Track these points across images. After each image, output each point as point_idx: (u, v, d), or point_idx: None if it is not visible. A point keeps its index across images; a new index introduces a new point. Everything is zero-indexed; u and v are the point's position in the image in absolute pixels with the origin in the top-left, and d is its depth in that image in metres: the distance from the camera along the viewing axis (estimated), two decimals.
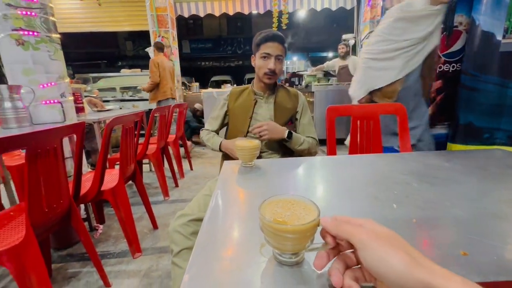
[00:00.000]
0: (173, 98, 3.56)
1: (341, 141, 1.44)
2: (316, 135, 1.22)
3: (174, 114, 2.53)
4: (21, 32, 1.40)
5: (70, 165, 1.53)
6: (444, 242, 0.41)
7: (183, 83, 4.73)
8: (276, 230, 0.33)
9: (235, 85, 5.50)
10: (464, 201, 0.55)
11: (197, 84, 4.93)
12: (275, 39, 1.10)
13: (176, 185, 2.46)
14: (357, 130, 1.24)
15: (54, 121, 1.54)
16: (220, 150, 1.16)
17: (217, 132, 1.25)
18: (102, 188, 1.30)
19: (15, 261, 0.83)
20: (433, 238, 0.43)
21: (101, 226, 1.73)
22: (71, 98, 1.65)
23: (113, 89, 5.09)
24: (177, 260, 0.83)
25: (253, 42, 1.15)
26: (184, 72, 4.85)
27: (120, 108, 3.20)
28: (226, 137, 1.21)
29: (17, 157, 1.72)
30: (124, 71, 5.10)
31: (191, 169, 2.95)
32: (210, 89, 4.38)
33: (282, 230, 0.33)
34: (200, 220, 0.85)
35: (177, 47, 4.52)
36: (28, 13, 1.40)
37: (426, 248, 0.40)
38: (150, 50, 4.21)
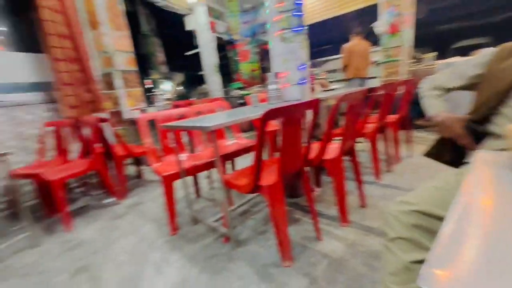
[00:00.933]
0: (361, 78, 4.13)
1: None
2: None
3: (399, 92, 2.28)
4: (284, 31, 1.86)
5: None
6: None
7: (413, 56, 4.05)
8: None
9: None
10: None
11: (433, 54, 3.94)
12: None
13: (390, 170, 2.28)
14: None
15: (296, 99, 1.95)
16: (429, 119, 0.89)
17: (447, 92, 0.95)
18: (324, 157, 1.50)
19: (270, 194, 1.21)
20: None
21: (317, 189, 2.04)
22: (309, 80, 2.00)
23: (337, 70, 5.51)
24: (391, 245, 0.78)
25: None
26: (417, 42, 4.06)
27: (342, 89, 3.41)
28: (471, 111, 0.90)
29: (271, 125, 2.42)
30: None
31: (410, 155, 2.58)
32: (450, 59, 3.42)
33: None
34: (426, 214, 0.73)
35: (413, 13, 3.87)
36: (288, 14, 1.82)
37: None
38: (376, 25, 3.98)
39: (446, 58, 3.77)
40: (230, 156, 2.00)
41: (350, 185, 1.95)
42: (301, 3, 1.86)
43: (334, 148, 1.61)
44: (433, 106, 0.93)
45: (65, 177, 1.93)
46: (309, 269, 1.22)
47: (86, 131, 2.27)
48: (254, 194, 1.92)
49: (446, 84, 0.96)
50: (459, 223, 0.40)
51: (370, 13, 4.25)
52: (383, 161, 2.34)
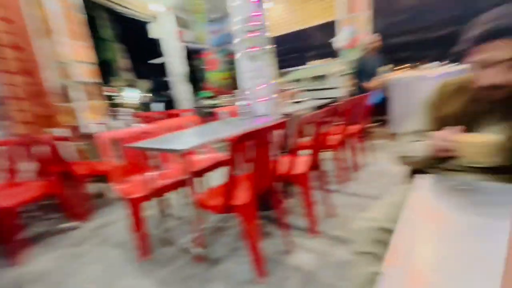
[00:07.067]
0: None
1: None
2: None
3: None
4: (251, 49, 1.92)
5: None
6: None
7: None
8: None
9: (436, 62, 4.35)
10: None
11: (389, 66, 4.23)
12: (503, 34, 0.66)
13: (354, 178, 2.45)
14: None
15: (265, 114, 2.02)
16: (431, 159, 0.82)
17: (422, 135, 0.89)
18: (293, 172, 1.57)
19: (244, 213, 1.24)
20: None
21: (287, 201, 2.11)
22: (276, 95, 2.08)
23: (302, 80, 5.76)
24: (357, 259, 0.86)
25: (467, 33, 0.74)
26: None
27: (308, 100, 3.54)
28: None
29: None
30: (312, 63, 5.57)
31: (371, 163, 2.80)
32: (400, 72, 3.81)
33: None
34: (384, 229, 0.82)
35: (371, 29, 4.24)
36: (255, 34, 1.89)
37: None
38: (336, 40, 4.28)
39: (396, 70, 4.18)
40: (202, 172, 1.98)
41: (317, 195, 2.05)
42: (265, 23, 1.95)
43: (302, 162, 1.70)
44: (418, 146, 0.86)
45: (17, 204, 1.75)
46: (283, 284, 1.27)
47: (41, 150, 2.08)
48: None
49: (418, 129, 0.93)
50: (405, 237, 0.47)
51: (331, 26, 4.58)
52: (348, 170, 2.51)
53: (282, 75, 5.99)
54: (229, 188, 1.17)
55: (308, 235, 1.65)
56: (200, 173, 1.95)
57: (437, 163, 0.85)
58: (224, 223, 1.93)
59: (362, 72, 3.63)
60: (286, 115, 2.04)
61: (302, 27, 5.63)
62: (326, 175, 1.92)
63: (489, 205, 0.58)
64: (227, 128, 1.61)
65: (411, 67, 4.20)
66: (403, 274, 0.39)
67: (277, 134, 1.43)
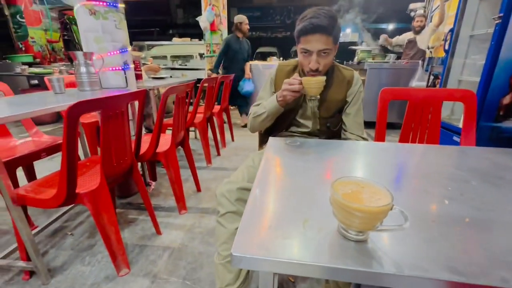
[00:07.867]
0: None
1: (391, 126, 1.35)
2: (364, 132, 1.05)
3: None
4: (93, 2, 1.53)
5: (131, 127, 1.73)
6: (496, 247, 0.39)
7: None
8: (347, 207, 0.36)
9: (281, 58, 5.33)
10: None
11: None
12: (316, 30, 0.87)
13: (218, 154, 2.61)
14: (413, 116, 1.14)
15: (119, 86, 1.72)
16: (280, 105, 0.95)
17: None
18: (157, 150, 1.46)
19: (92, 202, 1.02)
20: (485, 241, 0.41)
21: (153, 183, 1.96)
22: (132, 66, 1.81)
23: (165, 57, 5.34)
24: (222, 220, 0.92)
25: (295, 29, 0.94)
26: None
27: (170, 77, 3.32)
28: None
29: (89, 116, 1.99)
30: (175, 40, 5.27)
31: (233, 140, 3.08)
32: (256, 62, 4.34)
33: (353, 208, 0.35)
34: (243, 189, 0.92)
35: (226, 17, 4.49)
36: None
37: (475, 249, 0.39)
38: (201, 20, 4.25)
39: (252, 60, 4.76)
40: (23, 161, 1.45)
41: (185, 173, 2.05)
42: None
43: (166, 139, 1.60)
44: (270, 101, 0.99)
45: None
46: (149, 268, 1.18)
47: None
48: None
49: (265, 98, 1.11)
50: (257, 193, 0.54)
51: (195, 5, 4.43)
52: (212, 147, 2.64)
53: (141, 48, 5.32)
54: (67, 173, 0.91)
55: (176, 213, 1.61)
56: (20, 162, 1.41)
57: (280, 124, 1.05)
58: (68, 220, 1.54)
59: (229, 53, 3.34)
60: (146, 90, 1.83)
61: None
62: (193, 153, 1.93)
63: (311, 154, 0.78)
64: (60, 100, 1.23)
65: (264, 59, 4.90)
66: (256, 223, 0.45)
67: (136, 109, 1.25)
